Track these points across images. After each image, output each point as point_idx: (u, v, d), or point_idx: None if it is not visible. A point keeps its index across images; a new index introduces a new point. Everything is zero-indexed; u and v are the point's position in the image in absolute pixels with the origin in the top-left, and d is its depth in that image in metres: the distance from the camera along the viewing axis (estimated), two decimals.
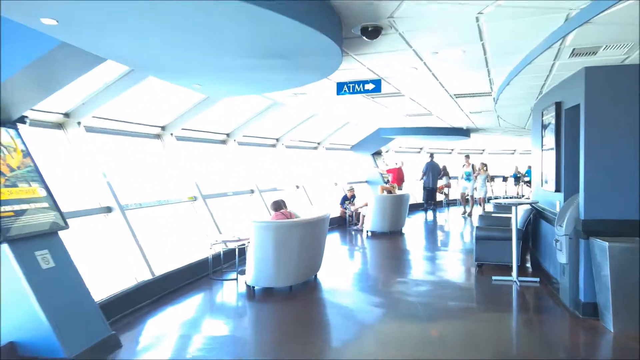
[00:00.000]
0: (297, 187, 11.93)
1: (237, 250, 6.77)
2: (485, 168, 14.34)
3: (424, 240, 10.39)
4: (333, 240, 10.35)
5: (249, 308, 5.57)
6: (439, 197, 17.23)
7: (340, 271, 7.33)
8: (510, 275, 6.36)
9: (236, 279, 6.57)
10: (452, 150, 20.69)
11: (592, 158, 4.63)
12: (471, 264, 7.40)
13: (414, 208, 16.04)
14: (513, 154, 23.43)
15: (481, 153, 22.18)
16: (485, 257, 6.94)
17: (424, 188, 15.95)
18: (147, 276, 5.77)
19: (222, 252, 7.17)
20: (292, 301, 5.69)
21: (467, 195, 14.66)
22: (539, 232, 6.70)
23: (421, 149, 19.01)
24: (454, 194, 17.95)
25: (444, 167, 16.96)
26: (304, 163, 13.59)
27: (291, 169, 12.01)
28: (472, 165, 14.56)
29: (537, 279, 6.16)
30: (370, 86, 5.82)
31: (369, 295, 6.08)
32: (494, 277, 6.33)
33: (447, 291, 6.04)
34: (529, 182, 20.93)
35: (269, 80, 4.95)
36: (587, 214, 4.67)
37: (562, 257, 4.98)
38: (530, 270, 6.88)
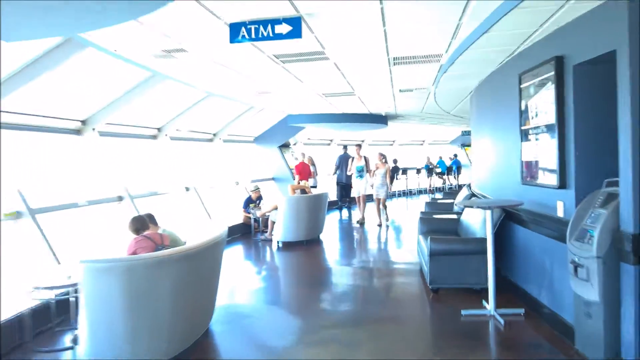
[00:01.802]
0: (187, 189, 9.35)
1: (74, 300, 4.19)
2: (384, 160, 10.40)
3: (349, 250, 8.43)
4: (233, 256, 8.00)
5: None
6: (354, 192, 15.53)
7: (239, 315, 5.03)
8: (484, 307, 4.58)
9: (72, 348, 3.99)
10: (362, 141, 19.25)
11: None
12: (420, 286, 5.56)
13: (330, 205, 14.16)
14: (422, 144, 22.74)
15: (391, 144, 21.09)
16: (444, 278, 5.11)
17: (338, 183, 14.12)
18: None
19: (53, 301, 4.50)
20: None
21: (363, 195, 10.85)
22: (512, 242, 5.01)
23: (331, 140, 17.25)
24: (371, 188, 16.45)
25: (368, 160, 15.31)
26: (196, 159, 11.00)
27: (178, 167, 9.40)
28: (365, 158, 10.88)
29: (521, 310, 4.43)
30: (283, 28, 3.59)
31: None
32: (463, 312, 4.49)
33: (399, 342, 4.04)
34: (441, 173, 20.26)
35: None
36: (638, 224, 2.92)
37: (591, 292, 3.22)
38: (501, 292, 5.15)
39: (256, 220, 9.69)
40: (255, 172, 13.06)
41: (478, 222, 5.36)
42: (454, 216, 6.99)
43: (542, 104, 4.03)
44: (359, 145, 11.01)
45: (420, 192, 19.39)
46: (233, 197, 11.06)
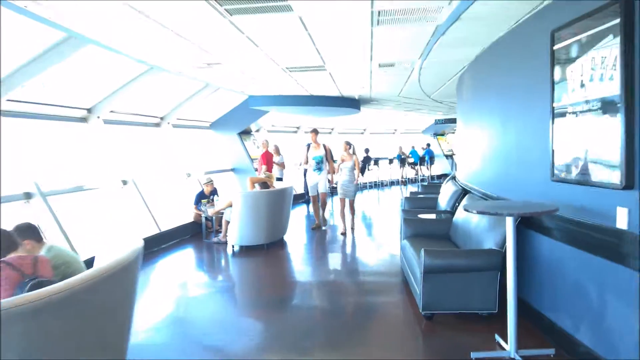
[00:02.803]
0: (124, 183, 7.84)
1: None
2: (351, 150, 8.02)
3: (318, 256, 7.14)
4: (175, 264, 6.60)
5: None
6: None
7: None
8: (498, 345, 3.41)
9: None
10: (332, 129, 17.99)
11: None
12: (408, 309, 4.35)
13: (297, 199, 12.87)
14: (394, 133, 21.68)
15: (362, 133, 19.93)
16: (440, 302, 3.90)
17: (305, 175, 12.82)
18: None
19: None
20: None
21: (323, 194, 8.39)
22: (531, 255, 3.83)
23: (298, 128, 15.89)
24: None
25: (329, 149, 14.02)
26: (138, 147, 9.46)
27: (115, 156, 7.86)
28: (326, 147, 8.51)
29: (551, 351, 3.27)
30: None
31: None
32: (474, 355, 3.29)
33: None
34: (414, 163, 19.25)
35: None
36: None
37: None
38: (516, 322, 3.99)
39: (208, 219, 8.28)
40: (212, 162, 11.58)
41: (482, 227, 4.17)
42: (438, 216, 5.84)
43: (594, 70, 2.83)
44: (315, 131, 8.40)
45: (392, 183, 18.30)
46: (184, 191, 9.59)
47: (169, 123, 9.95)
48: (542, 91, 3.44)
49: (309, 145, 8.49)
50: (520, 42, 4.08)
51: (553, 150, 3.29)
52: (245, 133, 12.04)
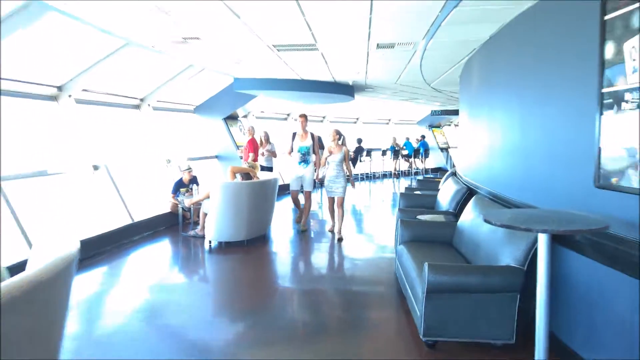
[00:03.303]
0: (96, 168, 7.09)
1: None
2: (340, 141, 6.81)
3: (304, 257, 6.45)
4: (144, 261, 5.90)
5: None
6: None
7: None
8: None
9: None
10: (323, 118, 17.25)
11: None
12: (405, 330, 3.70)
13: (280, 191, 12.18)
14: (388, 124, 20.98)
15: (355, 122, 19.21)
16: (445, 327, 3.25)
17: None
18: None
19: None
20: None
21: (308, 192, 7.20)
22: (565, 281, 3.17)
23: (288, 115, 15.13)
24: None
25: (319, 139, 13.29)
26: (115, 130, 8.69)
27: (87, 139, 7.10)
28: (314, 136, 7.23)
29: None
30: None
31: None
32: None
33: None
34: (408, 156, 18.59)
35: None
36: None
37: None
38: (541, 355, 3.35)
39: (186, 210, 7.56)
40: (195, 149, 10.83)
41: (497, 238, 3.51)
42: (441, 218, 5.17)
43: None
44: (304, 117, 7.15)
45: (384, 175, 17.64)
46: (163, 179, 8.85)
47: (149, 105, 9.18)
48: (584, 73, 2.76)
49: (294, 134, 7.19)
50: (553, 14, 3.38)
51: (600, 148, 2.61)
52: (232, 118, 11.28)
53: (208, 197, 6.38)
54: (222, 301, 4.74)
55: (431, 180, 9.66)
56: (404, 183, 16.41)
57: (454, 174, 7.61)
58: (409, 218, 5.10)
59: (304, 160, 7.09)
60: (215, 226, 6.21)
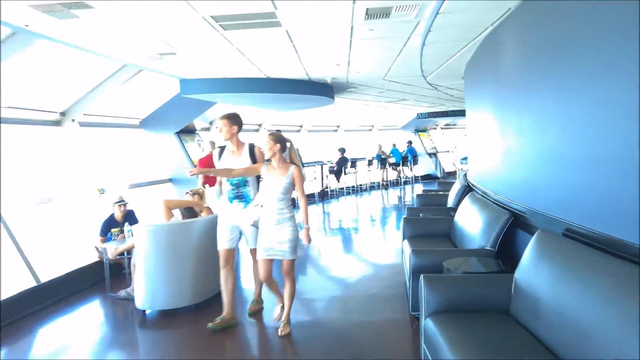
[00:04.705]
0: None
1: None
2: (286, 152, 3.80)
3: (276, 331, 4.49)
4: (49, 346, 3.91)
5: None
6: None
7: None
8: None
9: None
10: (300, 127, 15.39)
11: None
12: None
13: None
14: (371, 130, 19.22)
15: (336, 130, 17.41)
16: None
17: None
18: None
19: None
20: None
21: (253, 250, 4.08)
22: None
23: (260, 125, 13.24)
24: (312, 187, 12.63)
25: (290, 147, 11.44)
26: (20, 154, 6.71)
27: None
28: (254, 150, 4.08)
29: None
30: None
31: None
32: None
33: None
34: (396, 164, 16.83)
35: None
36: None
37: None
38: None
39: (110, 262, 5.50)
40: (143, 172, 8.85)
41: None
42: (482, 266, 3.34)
43: None
44: (229, 118, 4.03)
45: (372, 187, 15.79)
46: (92, 215, 6.82)
47: (73, 120, 7.22)
48: None
49: (222, 149, 4.12)
50: None
51: None
52: (187, 132, 9.32)
53: (132, 246, 4.43)
54: None
55: (432, 193, 7.82)
56: (393, 194, 14.63)
57: (468, 187, 5.82)
58: (425, 261, 3.31)
59: (239, 195, 4.04)
60: (146, 288, 4.25)
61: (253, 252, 4.09)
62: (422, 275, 2.87)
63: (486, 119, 4.77)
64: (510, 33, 3.90)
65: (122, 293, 5.02)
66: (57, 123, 7.00)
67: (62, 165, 7.40)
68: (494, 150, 4.44)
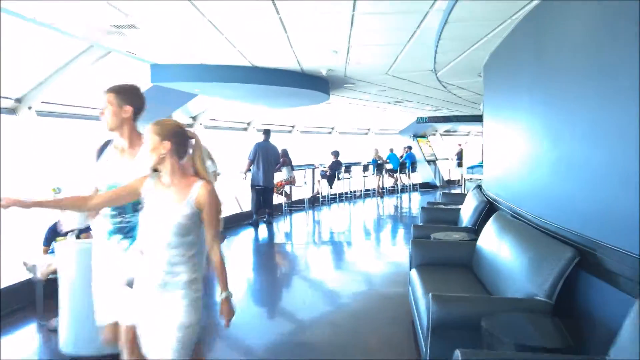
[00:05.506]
0: None
1: None
2: (195, 149, 2.16)
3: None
4: None
5: None
6: (278, 198, 10.64)
7: None
8: None
9: None
10: (292, 127, 14.40)
11: None
12: None
13: (240, 220, 9.24)
14: (367, 134, 18.24)
15: (330, 132, 16.43)
16: None
17: (252, 186, 9.20)
18: None
19: None
20: None
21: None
22: None
23: (248, 124, 12.22)
24: (302, 192, 11.59)
25: (284, 152, 10.43)
26: None
27: None
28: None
29: None
30: None
31: None
32: None
33: None
34: (393, 170, 15.86)
35: None
36: None
37: None
38: None
39: (42, 282, 4.43)
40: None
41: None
42: None
43: None
44: (115, 92, 2.42)
45: (367, 194, 14.76)
46: (40, 220, 5.77)
47: (30, 108, 6.27)
48: None
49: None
50: None
51: None
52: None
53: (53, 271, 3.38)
54: None
55: (440, 207, 6.79)
56: (389, 203, 13.66)
57: (489, 202, 4.82)
58: (451, 313, 2.29)
59: (122, 228, 2.38)
60: (69, 327, 3.19)
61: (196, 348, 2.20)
62: (457, 350, 1.83)
63: (524, 122, 3.78)
64: (573, 9, 2.90)
65: (52, 323, 3.96)
66: (11, 111, 6.07)
67: (14, 158, 6.41)
68: (536, 162, 3.44)
